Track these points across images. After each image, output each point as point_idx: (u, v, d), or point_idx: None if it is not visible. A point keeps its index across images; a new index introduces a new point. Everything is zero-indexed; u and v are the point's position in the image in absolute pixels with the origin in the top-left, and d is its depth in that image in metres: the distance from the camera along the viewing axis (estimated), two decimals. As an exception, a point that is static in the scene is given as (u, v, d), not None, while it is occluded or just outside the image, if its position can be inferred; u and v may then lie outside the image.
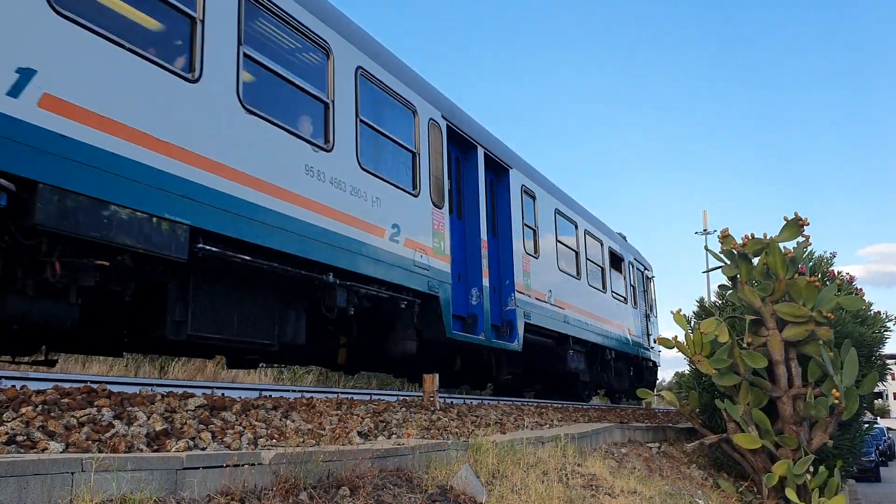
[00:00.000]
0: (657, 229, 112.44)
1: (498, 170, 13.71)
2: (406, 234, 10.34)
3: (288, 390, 11.04)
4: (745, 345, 10.54)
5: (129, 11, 6.72)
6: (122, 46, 6.40)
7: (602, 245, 19.35)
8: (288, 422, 7.18)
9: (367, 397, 12.03)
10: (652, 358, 23.50)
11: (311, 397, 9.35)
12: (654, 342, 23.31)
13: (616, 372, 20.12)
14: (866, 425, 13.88)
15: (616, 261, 20.72)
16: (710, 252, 11.61)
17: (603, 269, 19.20)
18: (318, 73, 9.02)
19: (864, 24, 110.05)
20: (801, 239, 10.62)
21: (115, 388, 6.73)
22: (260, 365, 13.56)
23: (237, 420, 6.68)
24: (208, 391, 8.53)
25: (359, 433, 7.44)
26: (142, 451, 5.10)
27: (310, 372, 15.02)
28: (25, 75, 5.63)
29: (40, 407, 5.46)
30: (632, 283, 22.23)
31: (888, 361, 13.54)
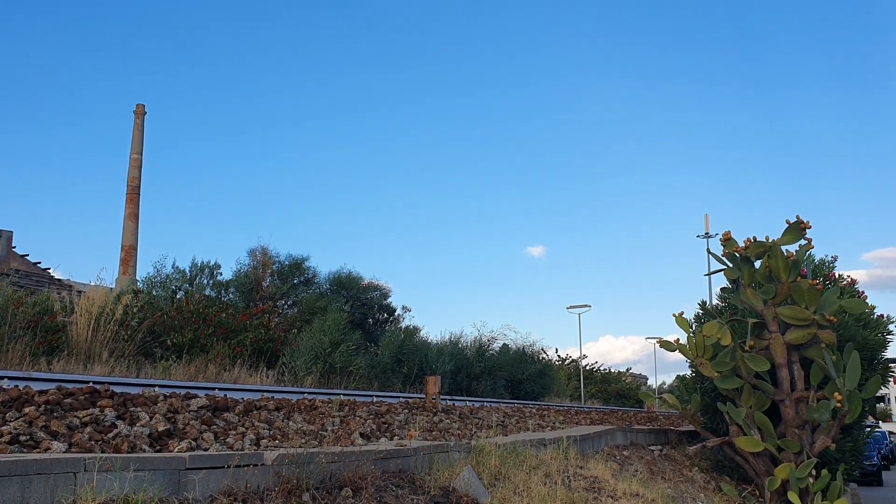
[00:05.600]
0: (658, 231, 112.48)
1: None
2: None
3: (290, 392, 11.05)
4: (747, 348, 10.51)
5: None
6: None
7: None
8: (290, 423, 7.18)
9: (370, 399, 12.03)
10: None
11: (314, 399, 9.36)
12: None
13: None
14: (868, 429, 13.82)
15: None
16: (712, 255, 11.59)
17: None
18: None
19: (870, 24, 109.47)
20: (803, 242, 10.59)
21: (117, 389, 6.74)
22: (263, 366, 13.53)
23: (239, 421, 6.68)
24: (211, 392, 8.54)
25: (361, 434, 7.44)
26: (144, 451, 5.10)
27: (311, 373, 14.99)
28: None
29: (43, 407, 5.47)
30: None
31: (891, 365, 13.46)
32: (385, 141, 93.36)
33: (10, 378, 7.25)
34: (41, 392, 5.92)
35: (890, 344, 13.04)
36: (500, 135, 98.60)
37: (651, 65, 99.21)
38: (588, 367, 41.54)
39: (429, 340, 21.12)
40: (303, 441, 6.49)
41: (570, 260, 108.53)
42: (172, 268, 21.54)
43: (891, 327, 13.04)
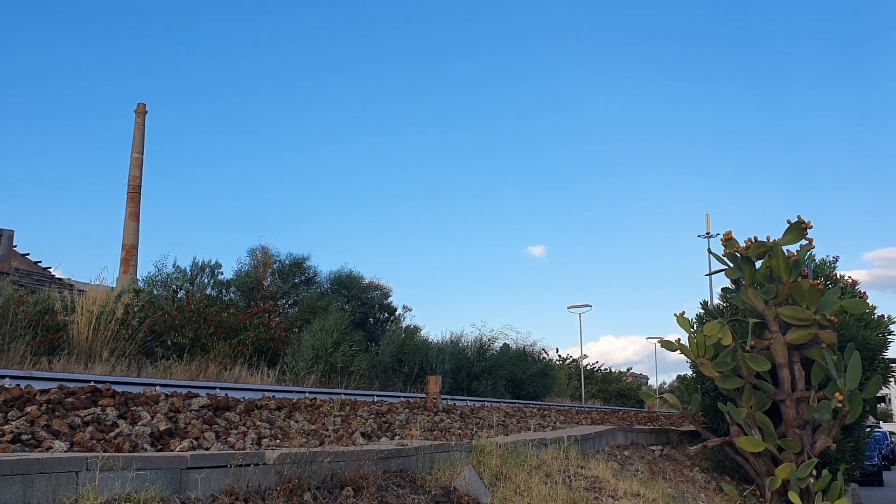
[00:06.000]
0: (658, 231, 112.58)
1: None
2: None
3: (291, 391, 11.06)
4: (748, 348, 10.51)
5: None
6: None
7: None
8: (291, 422, 7.18)
9: (371, 398, 12.04)
10: None
11: (315, 398, 9.36)
12: None
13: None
14: (869, 429, 13.81)
15: None
16: (713, 255, 11.59)
17: None
18: None
19: (870, 24, 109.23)
20: (804, 242, 10.59)
21: (119, 388, 6.74)
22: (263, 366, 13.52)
23: (241, 420, 6.69)
24: (212, 391, 8.55)
25: (362, 434, 7.44)
26: (146, 450, 5.10)
27: (312, 373, 15.00)
28: None
29: (45, 406, 5.47)
30: None
31: (892, 365, 13.45)
32: (385, 140, 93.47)
33: (11, 377, 7.25)
34: (43, 391, 5.92)
35: (891, 344, 13.04)
36: (500, 135, 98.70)
37: (652, 64, 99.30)
38: (589, 367, 41.54)
39: (429, 340, 21.13)
40: (304, 440, 6.49)
41: (570, 260, 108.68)
42: (173, 267, 21.58)
43: (891, 327, 13.03)
